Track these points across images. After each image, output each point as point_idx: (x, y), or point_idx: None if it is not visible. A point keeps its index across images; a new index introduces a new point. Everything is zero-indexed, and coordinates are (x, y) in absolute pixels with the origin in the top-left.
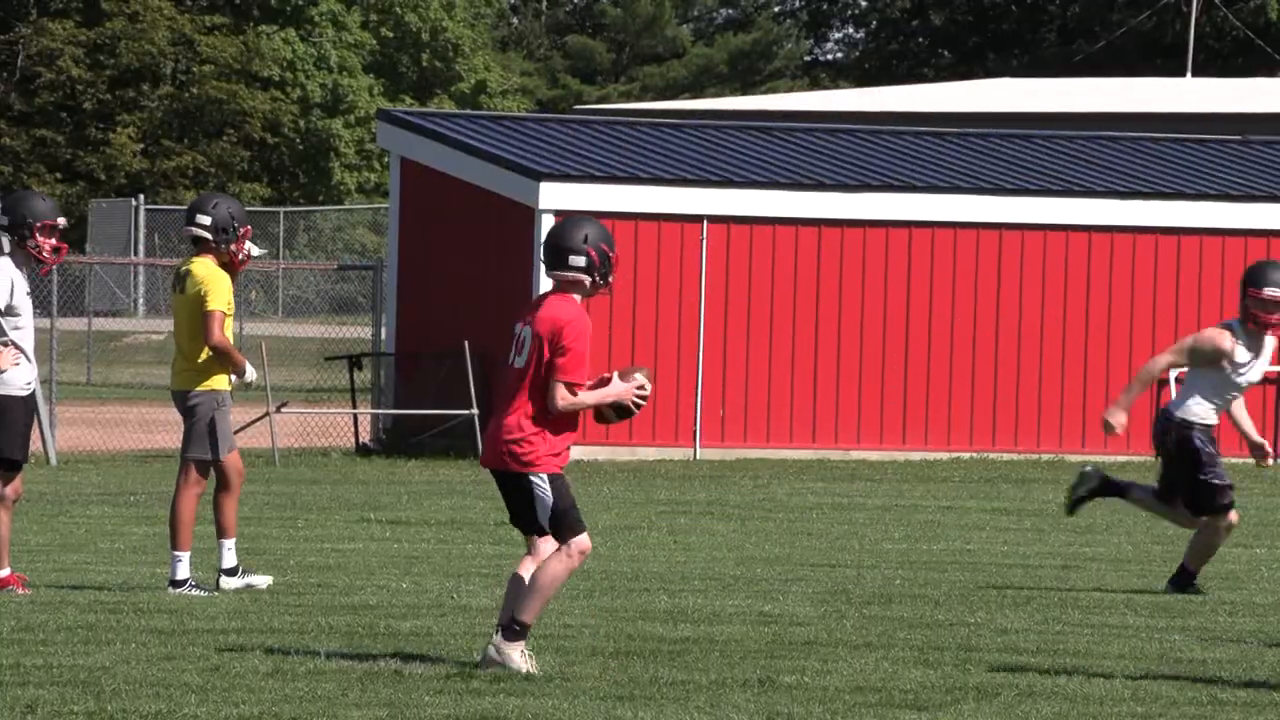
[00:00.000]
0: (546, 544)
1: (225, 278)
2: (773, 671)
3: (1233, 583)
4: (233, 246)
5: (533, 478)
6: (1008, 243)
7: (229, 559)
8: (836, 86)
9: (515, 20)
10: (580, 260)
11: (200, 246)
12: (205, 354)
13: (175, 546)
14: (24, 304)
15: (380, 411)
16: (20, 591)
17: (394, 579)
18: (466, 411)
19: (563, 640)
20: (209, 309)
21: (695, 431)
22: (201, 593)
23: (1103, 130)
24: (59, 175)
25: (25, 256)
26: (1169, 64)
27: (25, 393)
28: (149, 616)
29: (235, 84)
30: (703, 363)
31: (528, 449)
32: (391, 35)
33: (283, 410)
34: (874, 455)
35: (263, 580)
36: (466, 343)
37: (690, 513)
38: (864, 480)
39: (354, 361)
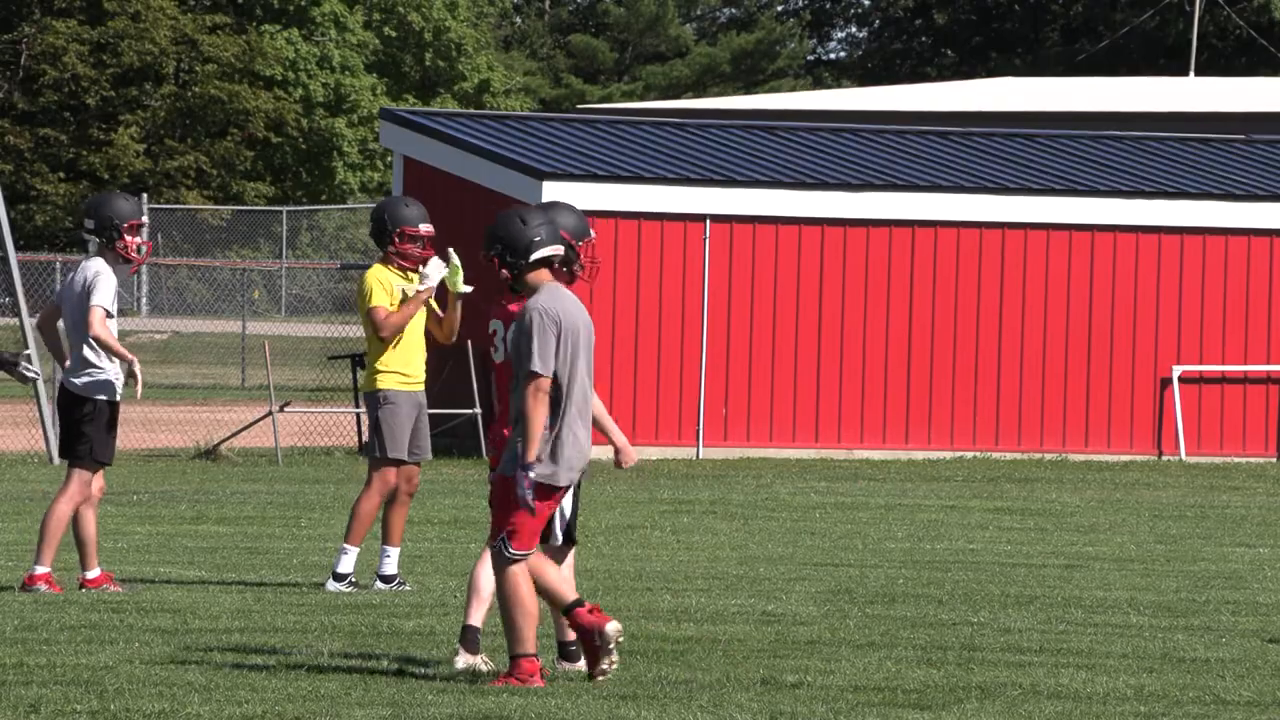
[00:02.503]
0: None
1: (387, 278)
2: (776, 671)
3: (1236, 582)
4: (394, 247)
5: None
6: (1011, 242)
7: (388, 567)
8: (839, 86)
9: (518, 20)
10: None
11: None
12: (373, 357)
13: (346, 540)
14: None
15: None
16: (112, 589)
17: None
18: (469, 411)
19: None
20: (370, 306)
21: (698, 431)
22: (348, 589)
23: (1106, 129)
24: (62, 174)
25: (114, 257)
26: (1172, 63)
27: (119, 397)
28: (152, 616)
29: (238, 84)
30: (706, 362)
31: None
32: (394, 35)
33: (285, 409)
34: (877, 454)
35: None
36: (469, 342)
37: (693, 512)
38: (867, 479)
39: (357, 360)
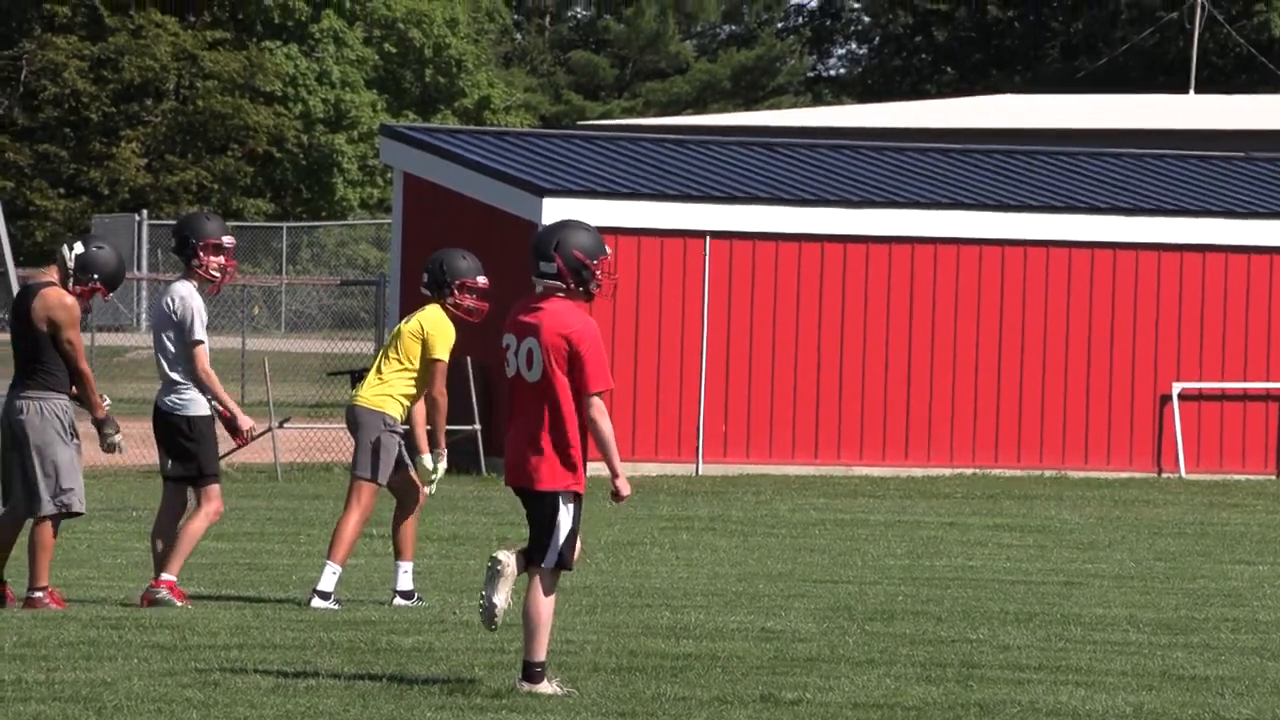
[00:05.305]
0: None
1: (452, 331)
2: (775, 688)
3: (1235, 600)
4: (453, 299)
5: (560, 497)
6: (1010, 259)
7: (404, 582)
8: (839, 102)
9: (518, 36)
10: (549, 267)
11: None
12: (390, 379)
13: (329, 556)
14: None
15: None
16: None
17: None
18: (469, 427)
19: (565, 656)
20: (439, 358)
21: (698, 447)
22: (335, 606)
23: (1106, 147)
24: (62, 190)
25: (196, 278)
26: (1172, 81)
27: (210, 411)
28: (151, 632)
29: (238, 99)
30: (705, 378)
31: (549, 465)
32: (394, 51)
33: (285, 425)
34: (876, 471)
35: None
36: (469, 358)
37: (692, 528)
38: (866, 496)
39: (356, 376)
